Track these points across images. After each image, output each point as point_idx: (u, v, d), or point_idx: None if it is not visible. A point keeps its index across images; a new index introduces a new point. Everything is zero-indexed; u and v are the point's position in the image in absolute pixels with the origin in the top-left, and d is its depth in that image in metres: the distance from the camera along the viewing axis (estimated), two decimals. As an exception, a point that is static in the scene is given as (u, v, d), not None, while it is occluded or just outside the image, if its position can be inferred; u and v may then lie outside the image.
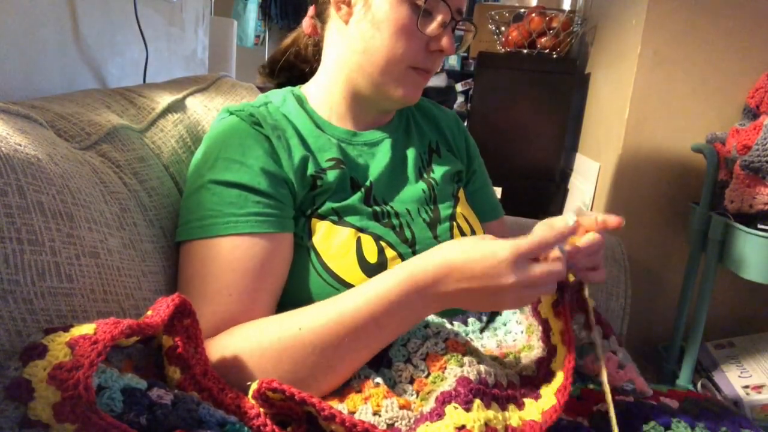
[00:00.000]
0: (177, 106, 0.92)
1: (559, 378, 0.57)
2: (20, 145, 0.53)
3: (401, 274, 0.58)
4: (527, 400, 0.56)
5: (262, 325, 0.61)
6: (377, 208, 0.74)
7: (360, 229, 0.71)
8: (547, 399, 0.55)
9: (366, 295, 0.58)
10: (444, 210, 0.80)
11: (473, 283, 0.55)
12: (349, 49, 0.76)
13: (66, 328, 0.44)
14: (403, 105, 0.83)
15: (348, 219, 0.71)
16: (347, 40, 0.76)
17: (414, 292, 0.57)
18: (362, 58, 0.75)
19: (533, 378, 0.62)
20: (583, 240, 0.59)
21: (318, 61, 0.85)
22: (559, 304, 0.62)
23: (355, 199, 0.73)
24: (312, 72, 0.86)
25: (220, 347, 0.59)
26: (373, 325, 0.57)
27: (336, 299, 0.60)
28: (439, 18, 0.73)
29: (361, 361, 0.59)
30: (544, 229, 0.58)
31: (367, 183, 0.76)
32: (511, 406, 0.54)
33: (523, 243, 0.55)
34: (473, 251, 0.56)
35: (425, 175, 0.83)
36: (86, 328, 0.44)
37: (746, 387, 1.22)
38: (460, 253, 0.56)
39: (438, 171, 0.84)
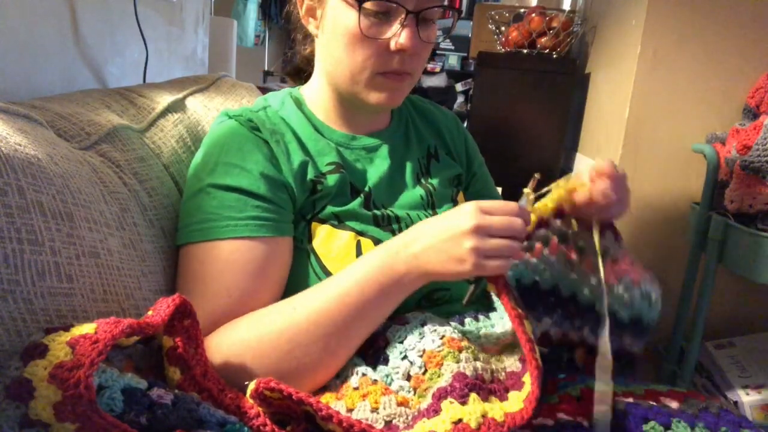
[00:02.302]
0: (177, 106, 0.92)
1: (526, 388, 0.55)
2: (20, 145, 0.53)
3: (378, 247, 0.64)
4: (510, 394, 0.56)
5: (259, 314, 0.63)
6: (377, 212, 0.74)
7: (360, 233, 0.71)
8: (513, 403, 0.54)
9: (351, 271, 0.62)
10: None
11: (438, 236, 0.59)
12: (324, 60, 0.77)
13: (66, 328, 0.45)
14: (384, 109, 0.83)
15: (348, 223, 0.72)
16: (320, 50, 0.77)
17: (388, 258, 0.61)
18: (333, 69, 0.75)
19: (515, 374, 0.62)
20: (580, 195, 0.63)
21: None
22: (500, 294, 0.60)
23: (355, 203, 0.73)
24: None
25: (219, 341, 0.60)
26: (360, 298, 0.60)
27: (326, 281, 0.63)
28: (395, 20, 0.69)
29: (356, 339, 0.61)
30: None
31: (367, 188, 0.76)
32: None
33: (486, 200, 0.60)
34: (441, 215, 0.62)
35: (423, 181, 0.83)
36: (87, 328, 0.44)
37: (746, 387, 1.22)
38: (429, 219, 0.63)
39: (436, 176, 0.84)
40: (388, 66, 0.71)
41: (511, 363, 0.64)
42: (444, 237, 0.59)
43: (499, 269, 0.58)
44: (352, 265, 0.63)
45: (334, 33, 0.71)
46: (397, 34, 0.69)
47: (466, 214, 0.58)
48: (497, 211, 0.59)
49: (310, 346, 0.59)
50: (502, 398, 0.55)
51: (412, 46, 0.69)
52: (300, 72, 0.91)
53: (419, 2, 0.68)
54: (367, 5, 0.67)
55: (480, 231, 0.57)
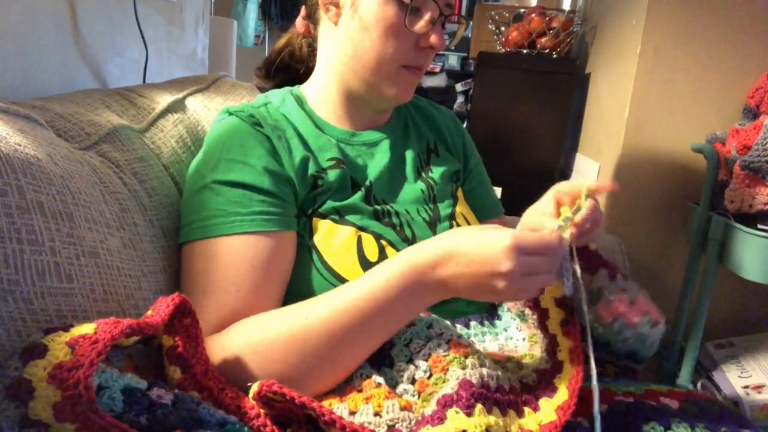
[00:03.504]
0: (177, 106, 0.92)
1: (563, 394, 0.56)
2: (20, 145, 0.53)
3: (400, 260, 0.59)
4: (526, 409, 0.56)
5: (269, 318, 0.61)
6: (378, 207, 0.75)
7: (361, 228, 0.71)
8: (547, 413, 0.55)
9: (369, 283, 0.59)
10: (443, 209, 0.80)
11: (471, 268, 0.55)
12: (340, 51, 0.76)
13: (66, 328, 0.44)
14: (397, 104, 0.84)
15: (349, 218, 0.72)
16: (338, 41, 0.77)
17: (413, 277, 0.58)
18: (353, 59, 0.75)
19: (533, 387, 0.62)
20: (578, 217, 0.61)
21: (314, 60, 0.85)
22: (568, 323, 0.62)
23: (356, 198, 0.73)
24: (308, 71, 0.86)
25: (226, 342, 0.59)
26: (376, 312, 0.57)
27: (340, 290, 0.60)
28: (427, 15, 0.73)
29: (367, 351, 0.59)
30: (555, 195, 0.65)
31: (367, 183, 0.76)
32: (511, 412, 0.54)
33: (526, 236, 0.55)
34: (474, 238, 0.56)
35: (424, 175, 0.83)
36: (86, 328, 0.44)
37: (746, 387, 1.22)
38: (460, 239, 0.57)
39: (437, 171, 0.84)
40: (413, 60, 0.75)
41: (526, 374, 0.63)
42: (479, 271, 0.55)
43: (528, 297, 0.57)
44: (371, 275, 0.60)
45: (371, 22, 0.72)
46: (429, 32, 0.73)
47: (506, 256, 0.54)
48: (537, 251, 0.55)
49: (319, 355, 0.57)
50: (518, 410, 0.55)
51: (441, 45, 0.74)
52: (277, 69, 0.91)
53: (448, 7, 0.75)
54: (413, 2, 0.71)
55: (516, 274, 0.54)
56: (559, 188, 0.69)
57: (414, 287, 0.58)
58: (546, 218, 0.66)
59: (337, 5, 0.75)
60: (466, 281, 0.56)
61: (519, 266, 0.53)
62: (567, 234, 0.59)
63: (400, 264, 0.58)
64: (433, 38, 0.73)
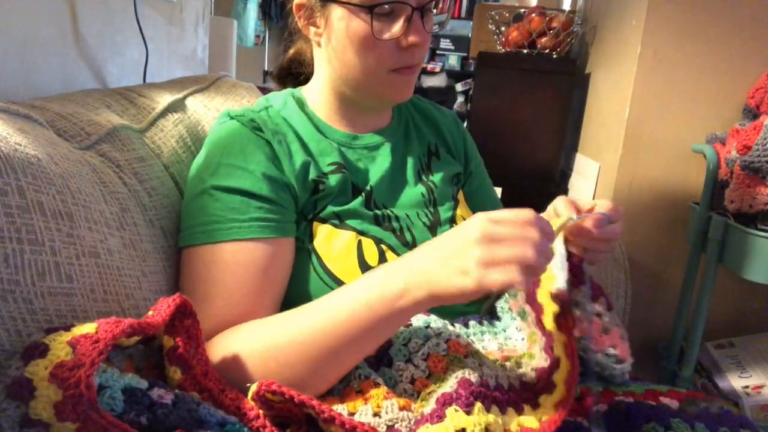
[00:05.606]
0: (177, 106, 0.92)
1: (561, 390, 0.56)
2: (20, 145, 0.53)
3: (380, 266, 0.60)
4: (526, 407, 0.56)
5: (258, 326, 0.61)
6: (378, 212, 0.74)
7: (361, 233, 0.71)
8: (546, 409, 0.55)
9: (347, 290, 0.58)
10: (444, 212, 0.80)
11: (443, 243, 0.53)
12: (329, 65, 0.77)
13: (67, 328, 0.45)
14: (396, 104, 0.84)
15: (349, 222, 0.72)
16: (324, 57, 0.77)
17: (386, 273, 0.55)
18: (343, 71, 0.75)
19: (532, 385, 0.61)
20: (588, 222, 0.61)
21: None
22: (562, 316, 0.62)
23: (356, 203, 0.73)
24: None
25: (217, 348, 0.60)
26: (351, 321, 0.55)
27: (329, 297, 0.59)
28: (400, 15, 0.70)
29: (347, 363, 0.58)
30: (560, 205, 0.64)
31: (368, 187, 0.76)
32: (510, 410, 0.54)
33: (496, 211, 0.53)
34: (452, 228, 0.56)
35: (424, 178, 0.83)
36: (87, 328, 0.44)
37: (746, 387, 1.22)
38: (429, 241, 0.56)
39: (437, 174, 0.84)
40: (400, 62, 0.73)
41: (525, 373, 0.63)
42: (449, 248, 0.52)
43: (505, 282, 0.48)
44: (350, 284, 0.58)
45: (344, 40, 0.71)
46: (407, 31, 0.70)
47: (472, 224, 0.51)
48: (508, 219, 0.51)
49: (297, 367, 0.56)
50: (518, 408, 0.55)
51: (422, 41, 0.71)
52: (288, 74, 0.91)
53: None
54: (377, 9, 0.68)
55: (486, 239, 0.49)
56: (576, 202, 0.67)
57: (386, 285, 0.54)
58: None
59: (315, 25, 0.75)
60: (440, 261, 0.51)
61: (488, 229, 0.50)
62: (560, 235, 0.59)
63: (377, 268, 0.58)
64: (412, 37, 0.70)
